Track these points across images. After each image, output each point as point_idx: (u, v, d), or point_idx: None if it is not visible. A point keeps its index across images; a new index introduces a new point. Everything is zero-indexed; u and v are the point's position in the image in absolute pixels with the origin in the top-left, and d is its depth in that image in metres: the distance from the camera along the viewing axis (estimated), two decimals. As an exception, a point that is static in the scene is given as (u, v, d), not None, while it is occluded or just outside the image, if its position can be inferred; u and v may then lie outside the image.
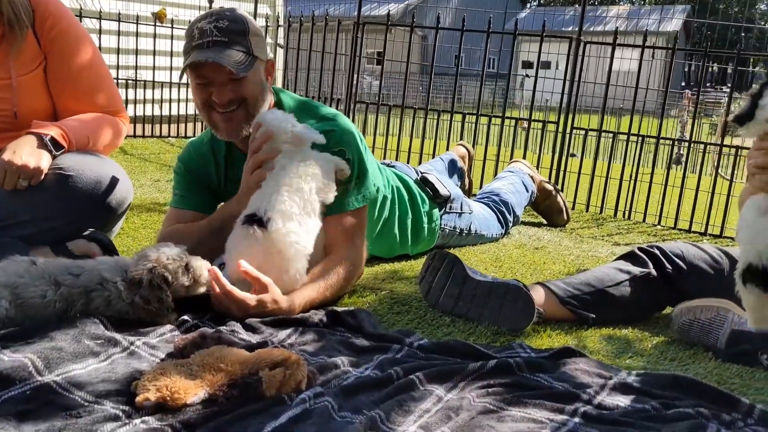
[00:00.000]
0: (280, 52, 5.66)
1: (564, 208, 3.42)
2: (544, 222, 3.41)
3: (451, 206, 2.66)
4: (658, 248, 1.98)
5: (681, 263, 1.93)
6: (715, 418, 1.33)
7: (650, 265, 1.94)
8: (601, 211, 3.84)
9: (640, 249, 2.00)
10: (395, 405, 1.30)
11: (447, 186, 2.67)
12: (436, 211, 2.56)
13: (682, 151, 6.71)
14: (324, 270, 1.88)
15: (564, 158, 3.90)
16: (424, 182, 2.60)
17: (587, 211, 3.86)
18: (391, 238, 2.36)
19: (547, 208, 3.41)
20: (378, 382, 1.40)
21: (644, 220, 3.74)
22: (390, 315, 1.90)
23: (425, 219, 2.49)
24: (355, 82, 4.33)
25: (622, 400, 1.41)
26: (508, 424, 1.28)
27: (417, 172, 2.70)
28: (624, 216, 3.79)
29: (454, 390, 1.41)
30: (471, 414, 1.31)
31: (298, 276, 1.81)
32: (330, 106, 3.80)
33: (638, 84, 3.78)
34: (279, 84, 5.48)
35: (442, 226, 2.61)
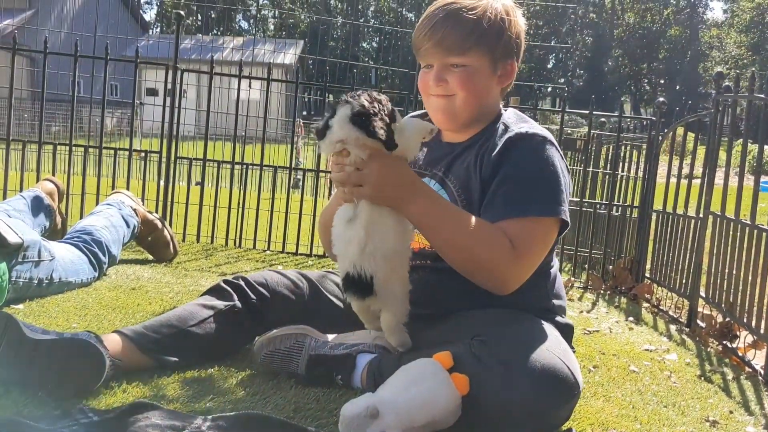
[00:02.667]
0: None
1: (171, 242, 3.27)
2: (150, 258, 3.21)
3: (25, 255, 2.30)
4: (243, 278, 1.95)
5: (264, 291, 1.92)
6: (283, 453, 1.31)
7: (235, 297, 1.89)
8: (212, 241, 3.79)
9: (225, 281, 1.94)
10: None
11: (19, 232, 2.30)
12: (2, 265, 2.18)
13: (299, 176, 7.12)
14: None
15: (171, 188, 3.75)
16: None
17: (198, 241, 3.76)
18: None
19: (152, 243, 3.21)
20: None
21: (254, 247, 3.79)
22: None
23: None
24: None
25: (192, 453, 1.31)
26: None
27: None
28: (235, 244, 3.79)
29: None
30: None
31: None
32: None
33: (260, 113, 3.83)
34: None
35: (14, 279, 2.24)
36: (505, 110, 1.84)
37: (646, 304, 3.39)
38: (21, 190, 3.45)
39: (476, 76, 1.73)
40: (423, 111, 1.94)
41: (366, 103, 1.52)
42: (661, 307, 3.33)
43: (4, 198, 3.51)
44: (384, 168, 1.55)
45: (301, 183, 7.40)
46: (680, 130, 3.63)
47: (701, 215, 3.07)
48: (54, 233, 2.99)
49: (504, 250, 1.57)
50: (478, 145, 1.76)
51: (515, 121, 1.78)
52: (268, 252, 3.74)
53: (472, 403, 1.43)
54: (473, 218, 1.62)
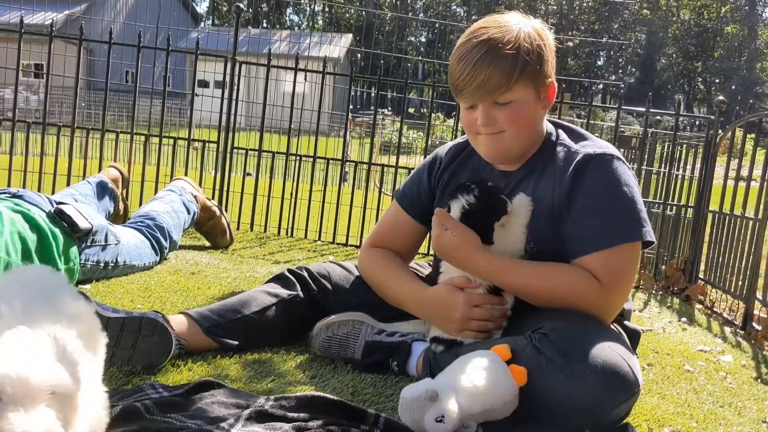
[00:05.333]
0: None
1: (228, 229, 3.35)
2: (207, 244, 3.30)
3: (93, 239, 2.39)
4: (306, 269, 1.99)
5: (327, 284, 1.96)
6: (346, 433, 1.36)
7: (298, 287, 1.94)
8: (265, 230, 3.87)
9: (289, 271, 1.99)
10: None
11: (89, 217, 2.40)
12: (74, 249, 2.28)
13: (347, 169, 7.17)
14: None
15: (228, 177, 3.84)
16: (59, 215, 2.29)
17: (252, 230, 3.85)
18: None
19: (210, 229, 3.30)
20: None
21: (306, 237, 3.86)
22: None
23: (60, 261, 2.19)
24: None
25: (257, 429, 1.36)
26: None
27: (51, 203, 2.37)
28: (287, 234, 3.87)
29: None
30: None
31: None
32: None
33: (311, 106, 3.89)
34: None
35: (83, 262, 2.34)
36: (553, 126, 1.79)
37: (699, 306, 3.34)
38: (84, 176, 3.58)
39: (524, 108, 1.67)
40: (465, 138, 1.88)
41: (474, 201, 1.63)
42: (714, 309, 3.28)
43: (68, 184, 3.64)
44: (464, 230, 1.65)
45: (350, 176, 7.46)
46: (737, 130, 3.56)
47: (760, 217, 3.01)
48: (116, 218, 3.10)
49: (587, 286, 1.59)
50: (537, 171, 1.72)
51: (573, 138, 1.74)
52: (318, 242, 3.80)
53: (531, 394, 1.44)
54: (546, 264, 1.65)
